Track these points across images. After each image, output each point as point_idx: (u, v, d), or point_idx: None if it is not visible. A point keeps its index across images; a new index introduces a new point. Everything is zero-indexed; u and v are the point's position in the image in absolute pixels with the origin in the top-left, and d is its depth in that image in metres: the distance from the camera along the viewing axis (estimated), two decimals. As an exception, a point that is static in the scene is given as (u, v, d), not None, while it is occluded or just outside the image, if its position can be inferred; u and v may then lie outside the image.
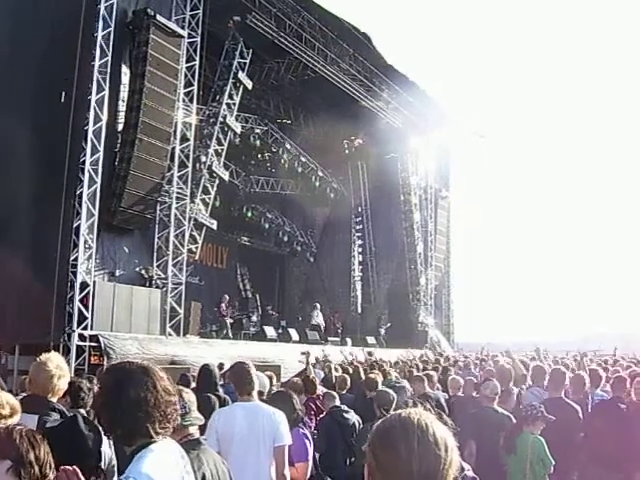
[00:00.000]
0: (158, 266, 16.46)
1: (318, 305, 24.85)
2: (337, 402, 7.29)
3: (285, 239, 28.22)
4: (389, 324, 27.82)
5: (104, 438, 3.63)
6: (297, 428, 5.49)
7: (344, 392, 8.89)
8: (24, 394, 4.42)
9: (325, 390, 9.50)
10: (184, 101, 16.77)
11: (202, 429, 4.16)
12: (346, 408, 6.96)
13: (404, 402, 6.25)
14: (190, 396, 3.93)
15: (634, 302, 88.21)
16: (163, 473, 2.42)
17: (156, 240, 16.56)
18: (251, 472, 4.73)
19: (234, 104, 19.84)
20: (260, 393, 5.75)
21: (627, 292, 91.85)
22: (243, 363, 5.28)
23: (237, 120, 20.54)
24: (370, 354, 17.75)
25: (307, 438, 5.53)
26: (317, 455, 7.04)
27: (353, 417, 6.81)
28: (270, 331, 20.90)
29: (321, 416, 7.91)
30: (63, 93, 13.99)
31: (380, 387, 7.80)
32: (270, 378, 8.71)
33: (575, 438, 6.38)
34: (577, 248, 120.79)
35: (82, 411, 4.28)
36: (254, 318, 24.22)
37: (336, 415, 6.82)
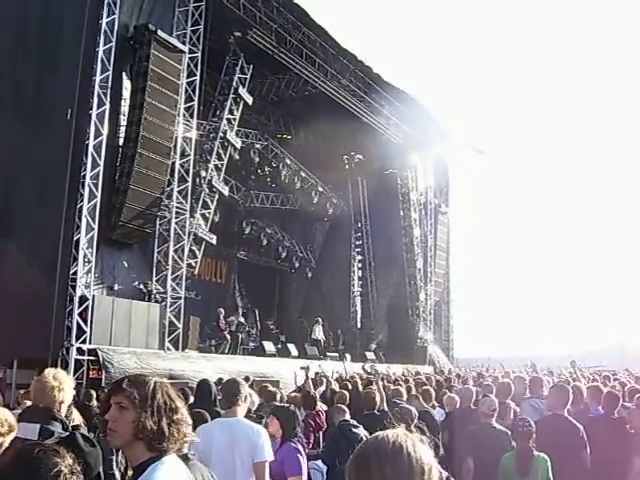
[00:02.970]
0: (157, 280, 16.44)
1: (320, 320, 24.79)
2: (347, 416, 7.26)
3: (284, 254, 28.18)
4: (380, 336, 27.86)
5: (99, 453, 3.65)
6: (289, 442, 5.47)
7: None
8: (28, 404, 4.49)
9: (323, 405, 9.50)
10: (184, 116, 16.82)
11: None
12: (355, 423, 6.91)
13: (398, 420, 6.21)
14: None
15: (634, 315, 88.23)
16: None
17: (155, 254, 16.55)
18: None
19: (234, 119, 19.91)
20: (248, 410, 5.75)
21: (627, 305, 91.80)
22: (235, 379, 5.33)
23: (237, 135, 20.60)
24: (367, 370, 17.66)
25: (299, 453, 5.49)
26: (325, 468, 7.03)
27: (361, 432, 6.76)
28: (269, 346, 20.85)
29: (328, 430, 7.90)
30: (69, 110, 14.02)
31: (379, 404, 7.79)
32: (275, 394, 8.70)
33: (576, 457, 6.25)
34: (578, 262, 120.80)
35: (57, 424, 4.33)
36: (253, 333, 24.19)
37: (344, 429, 6.77)
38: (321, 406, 9.25)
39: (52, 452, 2.14)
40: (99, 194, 14.27)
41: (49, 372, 4.23)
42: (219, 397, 7.57)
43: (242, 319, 22.84)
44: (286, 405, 6.44)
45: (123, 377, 2.61)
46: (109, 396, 2.54)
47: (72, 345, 13.35)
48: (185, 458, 3.58)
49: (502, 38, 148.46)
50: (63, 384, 4.18)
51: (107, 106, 14.56)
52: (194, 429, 4.27)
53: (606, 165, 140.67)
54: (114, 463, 4.20)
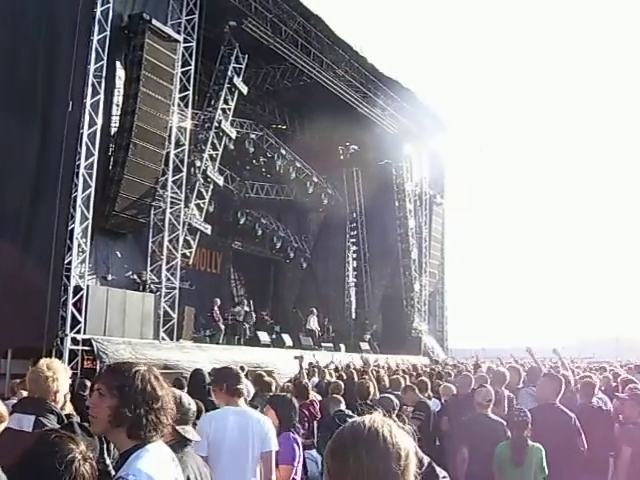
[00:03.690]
0: (152, 271, 16.42)
1: (315, 310, 24.79)
2: (342, 407, 7.26)
3: (279, 244, 28.14)
4: (374, 327, 27.96)
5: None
6: (288, 432, 5.47)
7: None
8: (24, 395, 4.47)
9: (317, 395, 9.50)
10: (179, 106, 16.75)
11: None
12: (350, 413, 6.92)
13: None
14: (192, 405, 4.02)
15: (628, 307, 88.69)
16: (161, 472, 2.44)
17: (150, 245, 16.53)
18: (239, 478, 4.72)
19: (229, 109, 19.83)
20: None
21: (621, 297, 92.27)
22: (231, 367, 5.32)
23: (232, 125, 20.54)
24: (365, 362, 17.68)
25: (297, 443, 5.50)
26: (320, 458, 7.04)
27: None
28: (263, 336, 20.87)
29: (323, 419, 7.90)
30: (70, 102, 13.93)
31: (372, 393, 7.80)
32: (270, 384, 8.70)
33: (571, 445, 6.21)
34: (571, 254, 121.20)
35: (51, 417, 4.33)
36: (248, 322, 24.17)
37: (339, 419, 6.78)
38: (314, 396, 9.26)
39: (67, 438, 2.21)
40: (93, 184, 14.21)
41: (43, 362, 4.21)
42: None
43: (247, 308, 22.80)
44: (282, 394, 6.43)
45: (108, 365, 2.63)
46: (93, 383, 2.58)
47: (66, 335, 13.33)
48: (182, 445, 3.60)
49: (499, 31, 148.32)
50: (57, 374, 4.16)
51: (101, 95, 14.48)
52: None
53: (602, 159, 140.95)
54: (105, 451, 4.20)
